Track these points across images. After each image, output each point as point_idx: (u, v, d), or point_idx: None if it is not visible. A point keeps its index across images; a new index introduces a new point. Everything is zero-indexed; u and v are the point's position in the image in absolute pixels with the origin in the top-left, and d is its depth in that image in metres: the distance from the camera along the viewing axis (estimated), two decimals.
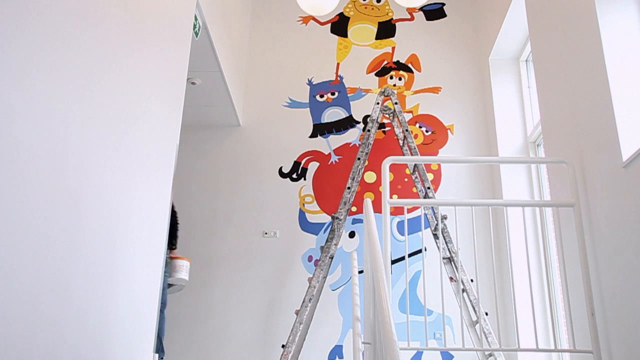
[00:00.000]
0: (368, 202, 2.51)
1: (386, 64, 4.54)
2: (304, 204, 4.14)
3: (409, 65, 4.53)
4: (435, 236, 3.44)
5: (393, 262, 3.91)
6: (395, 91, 4.22)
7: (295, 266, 3.98)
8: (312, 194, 4.17)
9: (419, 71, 4.50)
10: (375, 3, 4.77)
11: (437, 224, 3.41)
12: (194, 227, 4.09)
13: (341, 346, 3.78)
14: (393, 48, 4.59)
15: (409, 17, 4.70)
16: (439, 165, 4.20)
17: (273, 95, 4.47)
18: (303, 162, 4.26)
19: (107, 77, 1.77)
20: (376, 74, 4.51)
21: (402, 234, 4.01)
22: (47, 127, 1.42)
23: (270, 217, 4.11)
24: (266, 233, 4.07)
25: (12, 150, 1.27)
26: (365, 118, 4.36)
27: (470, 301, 3.17)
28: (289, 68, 4.56)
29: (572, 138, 2.68)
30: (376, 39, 4.64)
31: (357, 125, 4.36)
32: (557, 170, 2.87)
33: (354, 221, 4.08)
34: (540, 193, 3.72)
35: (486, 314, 3.17)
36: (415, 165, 3.67)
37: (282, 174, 4.23)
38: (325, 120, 4.38)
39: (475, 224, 2.72)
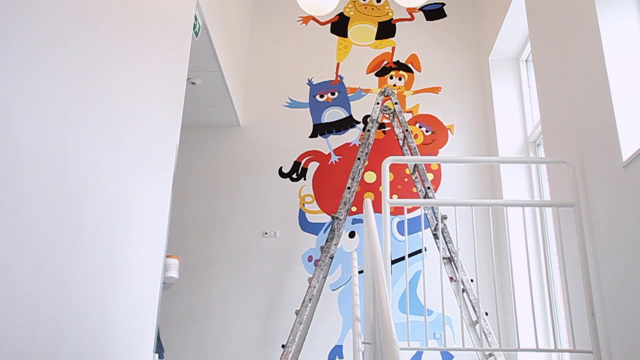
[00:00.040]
0: (368, 202, 2.51)
1: (386, 64, 4.54)
2: (304, 204, 4.14)
3: (409, 65, 4.53)
4: (435, 236, 3.44)
5: (393, 262, 3.91)
6: (395, 91, 4.22)
7: (295, 266, 3.98)
8: (312, 194, 4.17)
9: (419, 71, 4.50)
10: (375, 3, 4.77)
11: (437, 224, 3.41)
12: (194, 227, 4.10)
13: (341, 346, 3.78)
14: (393, 48, 4.59)
15: (409, 17, 4.70)
16: (439, 165, 4.20)
17: (273, 95, 4.47)
18: (303, 162, 4.26)
19: (107, 77, 1.77)
20: (376, 74, 4.51)
21: (402, 234, 4.01)
22: (47, 127, 1.42)
23: (270, 217, 4.11)
24: (266, 233, 4.07)
25: (12, 150, 1.27)
26: (365, 118, 4.36)
27: (470, 301, 3.17)
28: (289, 68, 4.56)
29: (572, 138, 2.68)
30: (376, 39, 4.64)
31: (357, 125, 4.36)
32: (557, 170, 2.87)
33: (354, 221, 4.08)
34: (540, 193, 3.72)
35: (486, 314, 3.17)
36: (415, 165, 3.67)
37: (282, 174, 4.23)
38: (325, 120, 4.38)
39: (475, 224, 2.72)
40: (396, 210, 4.07)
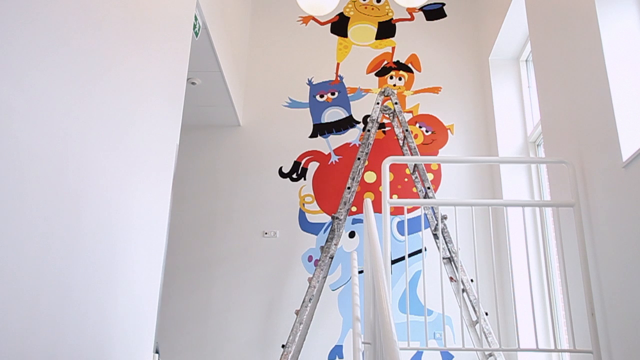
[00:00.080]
0: (368, 202, 2.51)
1: (386, 64, 4.54)
2: (304, 204, 4.14)
3: (409, 65, 4.53)
4: (435, 236, 3.44)
5: (393, 262, 3.91)
6: (395, 91, 4.22)
7: (295, 266, 3.98)
8: (312, 194, 4.17)
9: (419, 71, 4.50)
10: (375, 3, 4.77)
11: (437, 224, 3.41)
12: (194, 227, 4.10)
13: (341, 346, 3.78)
14: (393, 48, 4.59)
15: (409, 17, 4.70)
16: (439, 165, 4.20)
17: (273, 95, 4.47)
18: (303, 162, 4.26)
19: (107, 77, 1.77)
20: (376, 74, 4.51)
21: (402, 234, 4.01)
22: (47, 127, 1.42)
23: (270, 217, 4.11)
24: (266, 233, 4.07)
25: (12, 150, 1.27)
26: (365, 118, 4.36)
27: (470, 301, 3.17)
28: (289, 68, 4.56)
29: (572, 138, 2.68)
30: (376, 39, 4.64)
31: (357, 125, 4.36)
32: (557, 170, 2.87)
33: (354, 221, 4.08)
34: (540, 193, 3.72)
35: (486, 314, 3.17)
36: (415, 165, 3.67)
37: (282, 174, 4.23)
38: (325, 120, 4.38)
39: (475, 224, 2.72)
40: (396, 210, 4.07)
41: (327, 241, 3.50)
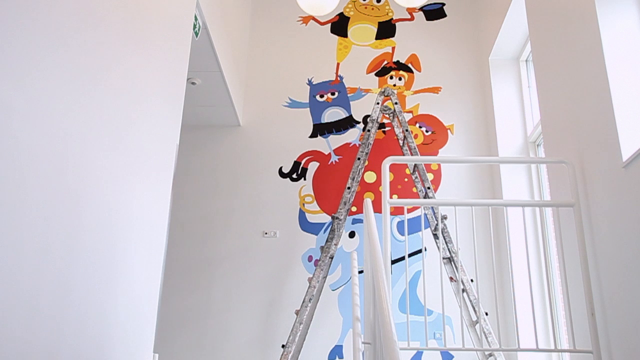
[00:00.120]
0: (368, 202, 2.51)
1: (386, 64, 4.54)
2: (304, 204, 4.14)
3: (409, 65, 4.53)
4: (435, 236, 3.44)
5: (393, 262, 3.91)
6: (395, 91, 4.22)
7: (295, 266, 3.98)
8: (312, 194, 4.17)
9: (419, 71, 4.50)
10: (375, 3, 4.77)
11: (437, 224, 3.41)
12: (194, 227, 4.10)
13: (341, 346, 3.78)
14: (393, 48, 4.59)
15: (409, 17, 4.70)
16: (439, 165, 4.20)
17: (273, 95, 4.47)
18: (303, 162, 4.26)
19: (107, 77, 1.77)
20: (376, 74, 4.51)
21: (402, 234, 4.01)
22: (47, 127, 1.42)
23: (270, 217, 4.11)
24: (266, 233, 4.07)
25: (12, 150, 1.27)
26: (365, 118, 4.36)
27: (470, 301, 3.17)
28: (289, 68, 4.56)
29: (572, 138, 2.68)
30: (376, 39, 4.64)
31: (357, 125, 4.36)
32: (557, 170, 2.87)
33: (354, 221, 4.08)
34: (540, 193, 3.72)
35: (486, 314, 3.17)
36: (415, 165, 3.67)
37: (282, 174, 4.23)
38: (325, 120, 4.38)
39: (475, 224, 2.72)
40: (396, 210, 4.07)
41: (327, 241, 3.51)
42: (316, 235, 4.06)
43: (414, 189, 4.05)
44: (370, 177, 4.18)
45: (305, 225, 4.09)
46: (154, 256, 2.23)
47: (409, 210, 4.08)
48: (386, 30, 4.66)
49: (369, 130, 3.78)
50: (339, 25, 4.70)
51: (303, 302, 3.32)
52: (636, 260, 2.07)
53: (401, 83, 4.47)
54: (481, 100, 4.36)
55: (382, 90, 3.88)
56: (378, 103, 3.84)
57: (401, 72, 4.50)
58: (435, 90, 4.43)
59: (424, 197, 3.58)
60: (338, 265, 3.97)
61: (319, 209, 4.13)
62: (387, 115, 3.99)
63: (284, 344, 3.25)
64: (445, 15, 4.68)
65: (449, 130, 4.30)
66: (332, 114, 4.40)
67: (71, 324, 1.54)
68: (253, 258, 4.01)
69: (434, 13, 4.69)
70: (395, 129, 3.86)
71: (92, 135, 1.67)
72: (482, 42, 4.43)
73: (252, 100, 4.46)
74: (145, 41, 2.11)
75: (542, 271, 3.46)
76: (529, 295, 2.69)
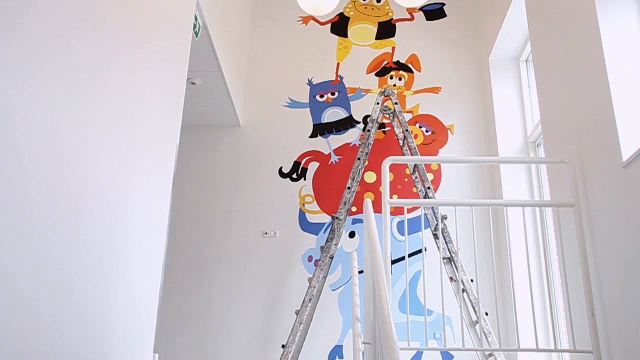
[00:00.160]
0: (368, 202, 2.51)
1: (386, 64, 4.54)
2: (304, 204, 4.14)
3: (409, 65, 4.53)
4: (435, 236, 3.44)
5: (393, 262, 3.91)
6: (395, 91, 4.22)
7: (295, 266, 3.98)
8: (312, 194, 4.17)
9: (419, 71, 4.50)
10: (375, 3, 4.77)
11: (437, 224, 3.41)
12: (194, 227, 4.10)
13: (341, 346, 3.78)
14: (393, 48, 4.59)
15: (409, 17, 4.70)
16: (439, 165, 4.20)
17: (273, 95, 4.47)
18: (303, 162, 4.26)
19: (107, 77, 1.77)
20: (376, 74, 4.51)
21: (402, 234, 4.01)
22: (47, 127, 1.42)
23: (270, 217, 4.11)
24: (266, 233, 4.07)
25: (12, 150, 1.27)
26: (365, 118, 4.36)
27: (470, 301, 3.17)
28: (289, 68, 4.56)
29: (572, 138, 2.68)
30: (376, 39, 4.64)
31: (357, 125, 4.36)
32: (557, 170, 2.87)
33: (354, 221, 4.08)
34: (540, 193, 3.72)
35: (486, 314, 3.17)
36: (415, 165, 3.67)
37: (282, 174, 4.23)
38: (325, 120, 4.38)
39: (475, 224, 2.72)
40: (396, 210, 4.07)
41: (327, 241, 3.51)
42: (316, 235, 4.06)
43: (414, 189, 4.05)
44: (370, 177, 4.18)
45: (305, 225, 4.09)
46: (154, 256, 2.23)
47: (409, 210, 4.08)
48: (386, 30, 4.66)
49: (369, 130, 3.78)
50: (339, 25, 4.70)
51: (303, 302, 3.32)
52: (636, 260, 2.07)
53: (401, 83, 4.47)
54: (481, 100, 4.36)
55: (382, 90, 3.88)
56: (378, 103, 3.84)
57: (401, 72, 4.50)
58: (435, 90, 4.43)
59: (424, 197, 3.58)
60: (338, 265, 3.97)
61: (319, 209, 4.13)
62: (387, 115, 4.00)
63: (284, 344, 3.25)
64: (445, 15, 4.68)
65: (449, 130, 4.30)
66: (332, 114, 4.40)
67: (71, 324, 1.54)
68: (253, 258, 4.01)
69: (434, 13, 4.69)
70: (395, 129, 3.86)
71: (92, 135, 1.67)
72: (482, 42, 4.43)
73: (252, 100, 4.46)
74: (145, 41, 2.11)
75: (542, 271, 3.46)
76: (529, 295, 2.69)
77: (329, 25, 4.70)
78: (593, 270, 2.43)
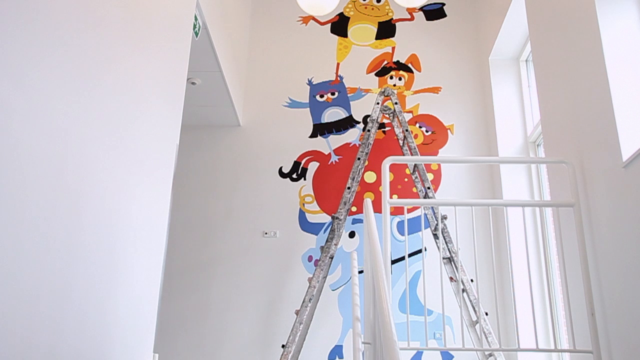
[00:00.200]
0: (368, 202, 2.51)
1: (386, 64, 4.54)
2: (304, 204, 4.14)
3: (409, 65, 4.53)
4: (435, 236, 3.44)
5: (393, 262, 3.91)
6: (395, 91, 4.22)
7: (295, 266, 3.98)
8: (312, 194, 4.17)
9: (419, 71, 4.50)
10: (375, 3, 4.77)
11: (437, 224, 3.41)
12: (194, 227, 4.10)
13: (341, 346, 3.78)
14: (393, 48, 4.59)
15: (409, 17, 4.70)
16: (439, 165, 4.20)
17: (273, 95, 4.47)
18: (303, 162, 4.26)
19: (107, 77, 1.77)
20: (376, 74, 4.51)
21: (402, 234, 4.01)
22: (47, 127, 1.42)
23: (270, 217, 4.11)
24: (266, 233, 4.07)
25: (12, 150, 1.27)
26: (365, 118, 4.36)
27: (470, 301, 3.17)
28: (289, 68, 4.56)
29: (572, 138, 2.68)
30: (376, 39, 4.64)
31: (357, 125, 4.36)
32: (557, 170, 2.87)
33: (354, 221, 4.08)
34: (540, 193, 3.72)
35: (486, 314, 3.17)
36: (415, 165, 3.67)
37: (282, 174, 4.23)
38: (325, 120, 4.38)
39: (475, 224, 2.72)
40: (396, 210, 4.07)
41: (327, 241, 3.51)
42: (316, 235, 4.06)
43: (414, 189, 4.05)
44: (370, 177, 4.18)
45: (305, 225, 4.09)
46: (154, 256, 2.23)
47: (409, 210, 4.08)
48: (386, 30, 4.66)
49: (369, 130, 3.78)
50: (339, 25, 4.70)
51: (303, 302, 3.32)
52: (636, 260, 2.07)
53: (401, 83, 4.47)
54: (481, 100, 4.36)
55: (382, 90, 3.88)
56: (378, 103, 3.84)
57: (401, 72, 4.50)
58: (435, 90, 4.43)
59: (424, 197, 3.58)
60: (338, 265, 3.97)
61: (319, 209, 4.13)
62: (387, 115, 4.00)
63: (284, 344, 3.25)
64: (445, 15, 4.68)
65: (449, 130, 4.30)
66: (332, 114, 4.40)
67: (71, 324, 1.54)
68: (253, 258, 4.01)
69: (434, 13, 4.69)
70: (395, 129, 3.87)
71: (92, 135, 1.67)
72: (482, 42, 4.44)
73: (252, 100, 4.46)
74: (145, 41, 2.11)
75: (542, 271, 3.46)
76: (529, 295, 2.69)
77: (329, 25, 4.70)
78: (593, 270, 2.43)
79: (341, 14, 4.73)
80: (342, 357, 3.75)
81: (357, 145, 4.27)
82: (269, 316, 3.86)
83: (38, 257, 1.38)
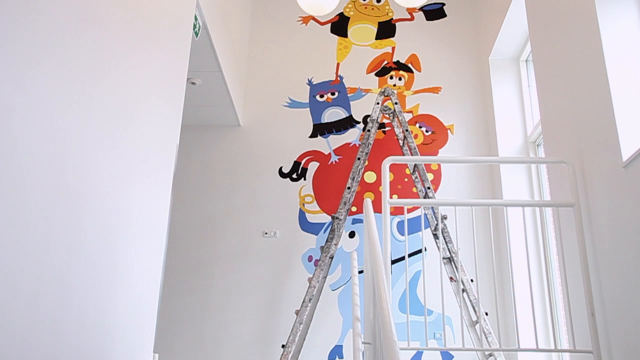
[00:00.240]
0: (368, 202, 2.51)
1: (386, 64, 4.54)
2: (304, 204, 4.14)
3: (409, 65, 4.53)
4: (435, 236, 3.44)
5: (393, 262, 3.91)
6: (395, 91, 4.22)
7: (295, 266, 3.98)
8: (312, 194, 4.17)
9: (419, 71, 4.50)
10: (375, 3, 4.77)
11: (437, 224, 3.41)
12: (194, 226, 4.10)
13: (341, 346, 3.78)
14: (393, 48, 4.59)
15: (409, 17, 4.70)
16: (439, 165, 4.20)
17: (273, 95, 4.47)
18: (303, 162, 4.26)
19: (107, 77, 1.77)
20: (376, 74, 4.51)
21: (402, 234, 4.01)
22: (47, 127, 1.42)
23: (270, 217, 4.11)
24: (266, 233, 4.07)
25: (12, 150, 1.27)
26: (365, 118, 4.36)
27: (470, 301, 3.17)
28: (289, 68, 4.56)
29: (572, 138, 2.68)
30: (376, 39, 4.64)
31: (357, 125, 4.36)
32: (557, 170, 2.87)
33: (354, 221, 4.08)
34: (540, 193, 3.72)
35: (486, 314, 3.17)
36: (415, 165, 3.67)
37: (282, 174, 4.23)
38: (325, 120, 4.38)
39: (475, 224, 2.72)
40: (396, 210, 4.07)
41: (327, 241, 3.51)
42: (316, 235, 4.06)
43: (414, 189, 4.05)
44: (370, 177, 4.18)
45: (305, 225, 4.09)
46: (154, 256, 2.23)
47: (409, 210, 4.08)
48: (386, 30, 4.66)
49: (369, 130, 3.78)
50: (339, 25, 4.70)
51: (303, 302, 3.32)
52: (636, 260, 2.07)
53: (401, 83, 4.47)
54: (481, 100, 4.36)
55: (382, 90, 3.88)
56: (378, 103, 3.84)
57: (401, 72, 4.50)
58: (435, 90, 4.43)
59: (424, 197, 3.58)
60: (338, 265, 3.97)
61: (319, 209, 4.13)
62: (387, 115, 4.00)
63: (284, 344, 3.25)
64: (445, 15, 4.68)
65: (449, 130, 4.30)
66: (332, 114, 4.40)
67: (71, 324, 1.54)
68: (253, 258, 4.01)
69: (434, 13, 4.69)
70: (395, 129, 3.87)
71: (92, 135, 1.67)
72: (482, 42, 4.44)
73: (252, 100, 4.46)
74: (145, 41, 2.11)
75: (542, 271, 3.46)
76: (529, 295, 2.69)
77: (329, 25, 4.70)
78: (593, 270, 2.43)
79: (341, 14, 4.73)
80: (342, 357, 3.75)
81: (357, 145, 4.27)
82: (269, 316, 3.86)
83: (38, 257, 1.38)
